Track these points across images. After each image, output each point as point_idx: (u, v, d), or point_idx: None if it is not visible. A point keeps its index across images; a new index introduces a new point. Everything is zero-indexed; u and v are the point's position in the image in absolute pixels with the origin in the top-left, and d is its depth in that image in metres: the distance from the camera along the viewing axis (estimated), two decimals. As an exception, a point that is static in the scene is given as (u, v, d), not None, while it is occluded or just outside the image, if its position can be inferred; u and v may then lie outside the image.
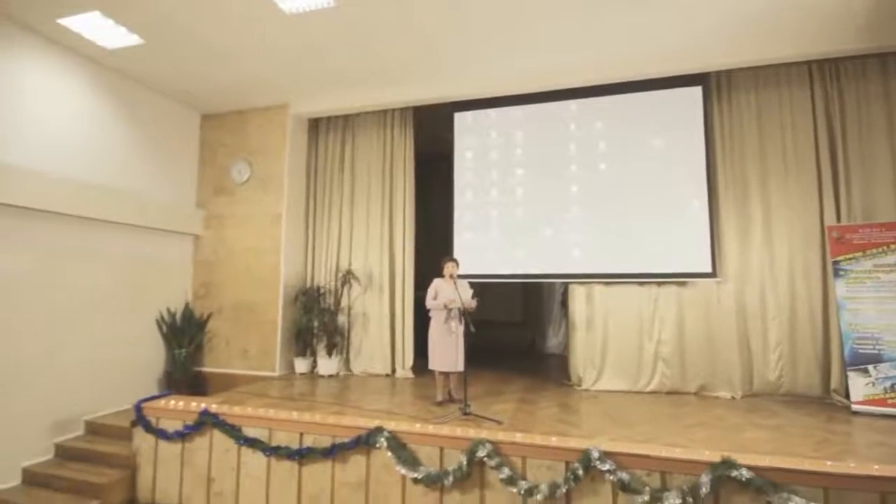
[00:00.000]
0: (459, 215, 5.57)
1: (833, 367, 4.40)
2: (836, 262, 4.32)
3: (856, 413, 3.96)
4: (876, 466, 2.66)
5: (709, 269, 4.72)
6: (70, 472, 3.94)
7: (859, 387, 4.02)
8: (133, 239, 5.09)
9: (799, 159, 4.72)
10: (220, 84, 5.32)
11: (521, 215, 5.35)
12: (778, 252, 4.71)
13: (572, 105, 5.28)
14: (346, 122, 6.13)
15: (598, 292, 5.11)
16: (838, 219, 4.52)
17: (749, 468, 2.69)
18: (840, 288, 4.27)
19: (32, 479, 3.96)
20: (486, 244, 5.46)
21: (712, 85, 4.99)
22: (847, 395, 4.14)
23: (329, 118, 6.14)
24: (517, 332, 8.49)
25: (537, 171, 5.35)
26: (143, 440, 3.96)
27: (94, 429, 4.43)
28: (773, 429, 3.54)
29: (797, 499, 2.59)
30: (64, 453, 4.20)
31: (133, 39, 4.35)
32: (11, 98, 4.04)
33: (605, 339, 5.03)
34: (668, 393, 4.77)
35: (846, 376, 4.15)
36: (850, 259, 4.27)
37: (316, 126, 6.26)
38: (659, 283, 4.93)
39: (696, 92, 4.95)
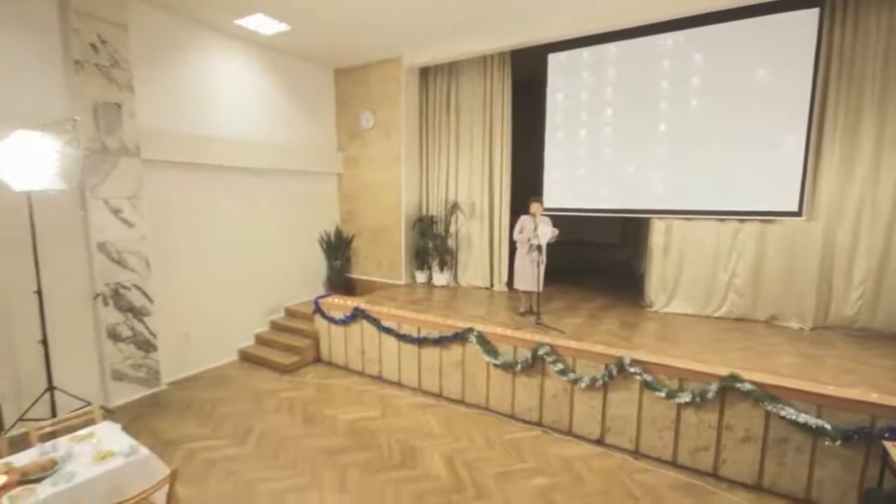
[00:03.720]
0: (549, 153, 6.17)
1: (922, 306, 4.40)
2: (948, 203, 4.11)
3: (925, 352, 4.10)
4: (874, 395, 3.15)
5: (794, 208, 4.78)
6: (280, 338, 6.14)
7: (936, 328, 4.08)
8: (296, 180, 6.84)
9: (933, 85, 4.26)
10: (347, 45, 6.34)
11: (608, 154, 5.76)
12: (883, 189, 4.53)
13: (668, 39, 5.24)
14: (450, 69, 6.85)
15: (678, 226, 5.50)
16: (966, 154, 4.15)
17: (753, 383, 3.39)
18: (946, 230, 4.12)
19: (260, 340, 6.27)
20: (574, 181, 6.04)
21: (835, 4, 4.53)
22: (925, 335, 4.22)
23: (437, 66, 6.90)
24: (614, 252, 9.01)
25: (626, 111, 5.59)
26: (320, 323, 5.92)
27: (290, 312, 6.61)
28: (812, 358, 3.99)
29: (789, 409, 3.26)
30: (275, 327, 6.46)
31: (283, 27, 5.57)
32: (209, 85, 5.64)
33: (680, 267, 5.52)
34: (737, 319, 5.22)
35: (929, 317, 4.19)
36: (965, 200, 4.03)
37: (426, 74, 7.09)
38: (741, 219, 5.13)
39: (812, 14, 4.57)
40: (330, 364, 5.86)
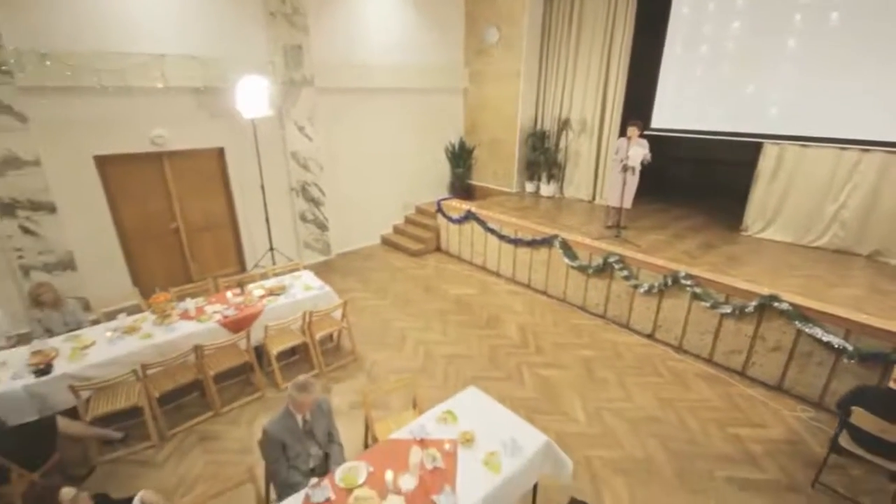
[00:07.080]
0: (665, 72, 6.14)
1: None
2: None
3: None
4: (905, 327, 3.44)
5: (928, 139, 4.39)
6: (411, 229, 7.85)
7: None
8: (428, 96, 7.94)
9: None
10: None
11: (726, 71, 5.59)
12: None
13: (818, -63, 4.68)
14: (575, -20, 6.85)
15: (792, 152, 5.35)
16: None
17: (791, 304, 3.86)
18: None
19: (396, 230, 8.08)
20: (685, 99, 6.03)
21: None
22: None
23: (562, -23, 6.95)
24: (745, 172, 8.49)
25: (754, 23, 5.26)
26: (441, 220, 7.40)
27: (419, 210, 8.23)
28: (879, 292, 4.14)
29: (816, 328, 3.73)
30: (407, 220, 8.18)
31: (419, -43, 6.30)
32: (358, 19, 6.76)
33: (785, 194, 5.49)
34: (836, 251, 5.20)
35: None
36: None
37: (551, -14, 7.19)
38: (864, 149, 4.84)
39: None
40: (447, 253, 7.42)
